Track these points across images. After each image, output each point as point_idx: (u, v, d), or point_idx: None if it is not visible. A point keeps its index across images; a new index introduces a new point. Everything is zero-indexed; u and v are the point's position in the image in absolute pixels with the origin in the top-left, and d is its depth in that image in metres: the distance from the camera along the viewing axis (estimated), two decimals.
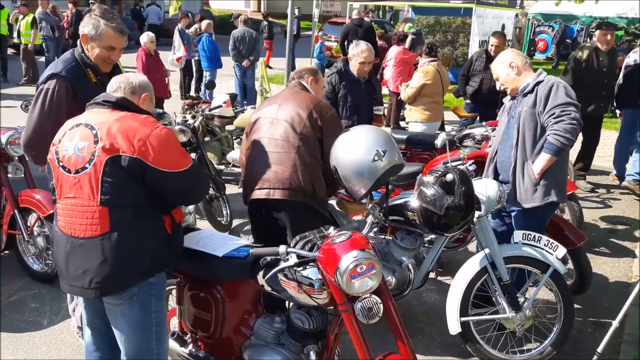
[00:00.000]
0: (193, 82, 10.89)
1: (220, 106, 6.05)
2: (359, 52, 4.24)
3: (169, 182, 2.16)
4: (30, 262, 3.93)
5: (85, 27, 2.69)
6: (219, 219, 5.00)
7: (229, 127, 6.69)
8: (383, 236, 3.22)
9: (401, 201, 3.07)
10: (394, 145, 2.54)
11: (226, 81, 11.93)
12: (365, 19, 10.66)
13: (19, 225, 3.80)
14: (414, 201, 2.92)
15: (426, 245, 3.47)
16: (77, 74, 2.70)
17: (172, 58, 9.76)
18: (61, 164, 2.18)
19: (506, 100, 3.51)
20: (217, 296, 2.52)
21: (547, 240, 3.06)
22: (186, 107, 6.41)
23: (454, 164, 3.31)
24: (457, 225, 2.85)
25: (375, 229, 3.02)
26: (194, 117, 5.62)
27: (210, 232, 2.84)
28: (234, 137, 6.59)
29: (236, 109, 6.70)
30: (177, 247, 2.38)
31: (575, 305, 3.41)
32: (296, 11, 12.16)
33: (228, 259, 2.49)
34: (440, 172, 2.84)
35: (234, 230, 5.08)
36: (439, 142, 4.83)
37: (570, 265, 3.65)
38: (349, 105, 4.38)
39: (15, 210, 3.79)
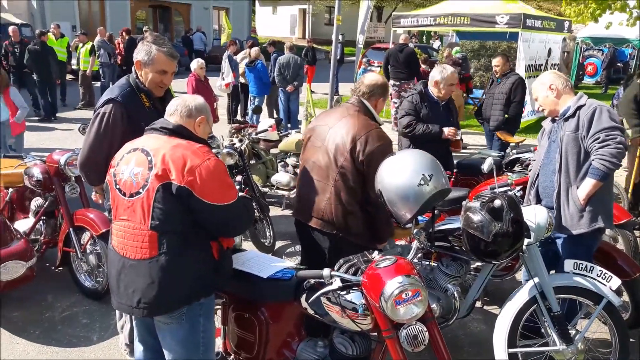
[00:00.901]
0: (240, 107, 11.16)
1: (266, 130, 6.15)
2: (449, 76, 4.31)
3: (212, 214, 2.18)
4: (82, 278, 4.06)
5: (139, 53, 2.82)
6: (262, 240, 5.05)
7: (273, 151, 6.79)
8: (427, 262, 3.16)
9: (447, 227, 3.01)
10: (441, 170, 2.51)
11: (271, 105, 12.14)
12: (410, 44, 10.69)
13: (73, 243, 3.95)
14: (460, 227, 2.87)
15: (472, 272, 3.38)
16: (131, 98, 2.81)
17: (220, 83, 10.03)
18: (118, 186, 2.26)
19: (546, 124, 3.43)
20: (261, 318, 2.53)
21: (600, 270, 2.93)
22: (233, 130, 6.55)
23: (501, 189, 3.24)
24: (505, 252, 2.76)
25: (419, 255, 2.98)
26: (241, 140, 5.73)
27: (256, 253, 2.87)
28: (278, 160, 6.67)
29: (281, 133, 6.79)
30: (224, 272, 2.40)
31: (631, 340, 3.23)
32: (340, 37, 12.32)
33: (272, 280, 2.50)
34: (487, 198, 2.78)
35: (277, 252, 5.11)
36: (485, 166, 4.70)
37: (625, 297, 3.48)
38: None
39: (71, 229, 3.94)
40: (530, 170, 3.76)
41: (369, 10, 11.82)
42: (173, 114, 2.34)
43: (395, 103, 10.42)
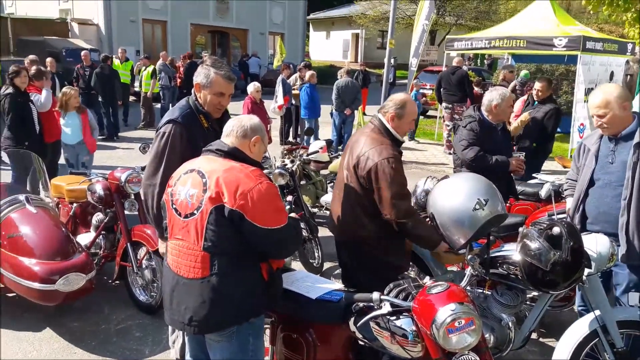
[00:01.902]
0: (292, 129, 11.32)
1: (317, 152, 6.20)
2: (507, 99, 4.17)
3: (263, 237, 2.20)
4: (137, 292, 4.17)
5: (198, 76, 2.91)
6: (311, 261, 5.04)
7: (323, 172, 6.82)
8: (481, 290, 3.05)
9: (503, 253, 2.90)
10: (497, 195, 2.43)
11: (321, 127, 12.25)
12: (464, 66, 10.57)
13: (130, 257, 4.08)
14: (516, 254, 2.75)
15: (528, 302, 3.23)
16: (191, 119, 2.90)
17: (274, 106, 10.23)
18: (174, 206, 2.32)
19: (590, 143, 3.21)
20: (309, 339, 2.51)
21: None
22: (285, 152, 6.64)
23: (559, 216, 3.10)
24: (564, 282, 2.63)
25: (472, 282, 2.88)
26: (292, 161, 5.79)
27: (305, 273, 2.86)
28: (328, 181, 6.69)
29: (331, 154, 6.83)
30: (274, 293, 2.41)
31: None
32: (392, 60, 12.34)
33: (321, 301, 2.48)
34: (545, 225, 2.66)
35: (324, 273, 5.08)
36: (543, 192, 4.58)
37: None
38: (489, 152, 4.22)
39: (128, 244, 4.08)
40: (566, 191, 3.53)
41: (424, 34, 11.80)
42: (229, 134, 2.39)
43: (448, 126, 10.28)
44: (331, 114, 10.44)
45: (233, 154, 2.32)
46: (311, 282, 2.66)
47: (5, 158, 5.95)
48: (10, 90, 5.75)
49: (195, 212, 2.22)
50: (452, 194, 2.42)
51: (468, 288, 2.80)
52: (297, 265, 4.87)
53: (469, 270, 2.46)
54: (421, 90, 13.57)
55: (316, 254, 5.13)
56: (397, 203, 2.84)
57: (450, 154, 10.30)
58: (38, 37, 17.89)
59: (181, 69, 14.56)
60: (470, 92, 10.19)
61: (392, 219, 2.89)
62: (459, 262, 3.32)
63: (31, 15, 21.37)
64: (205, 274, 2.20)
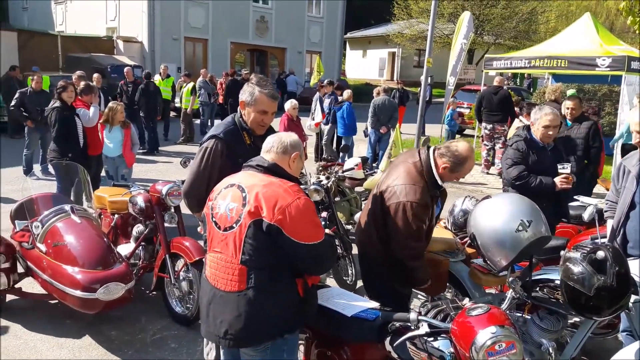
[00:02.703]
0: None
1: (352, 169, 6.20)
2: (542, 116, 4.00)
3: (300, 252, 2.22)
4: (173, 304, 4.23)
5: (243, 94, 2.98)
6: (344, 278, 5.02)
7: (358, 189, 6.82)
8: (520, 314, 2.97)
9: (544, 277, 2.82)
10: (541, 216, 2.38)
11: (357, 145, 12.27)
12: (504, 87, 10.42)
13: (168, 268, 4.15)
14: (558, 278, 2.67)
15: (570, 328, 3.12)
16: (234, 136, 2.97)
17: (310, 123, 10.33)
18: (214, 219, 2.37)
19: (630, 164, 3.10)
20: (343, 356, 2.49)
21: None
22: (321, 168, 6.67)
23: (603, 240, 2.99)
24: (608, 309, 2.53)
25: (512, 305, 2.80)
26: (327, 178, 5.81)
27: (340, 290, 2.86)
28: (362, 199, 6.68)
29: (366, 172, 6.81)
30: (309, 310, 2.41)
31: None
32: (429, 79, 12.31)
33: (357, 319, 2.46)
34: (589, 249, 2.58)
35: (358, 290, 5.03)
36: (586, 215, 4.43)
37: None
38: (537, 172, 4.07)
39: (167, 255, 4.15)
40: (606, 213, 3.40)
41: (462, 53, 11.74)
42: (269, 150, 2.43)
43: (487, 145, 10.13)
44: (365, 132, 10.45)
45: (272, 170, 2.36)
46: (347, 299, 2.65)
47: (51, 169, 6.18)
48: (57, 104, 5.99)
49: (234, 225, 2.26)
50: (495, 214, 2.38)
51: (508, 311, 2.72)
52: (331, 282, 4.85)
53: (509, 293, 2.39)
54: (458, 109, 13.46)
55: (350, 271, 5.10)
56: (407, 244, 2.92)
57: (487, 173, 10.14)
58: (85, 54, 18.63)
59: (223, 85, 14.88)
60: (512, 112, 10.02)
61: (399, 256, 2.97)
62: (499, 284, 3.25)
63: (80, 33, 22.31)
64: (242, 288, 2.23)
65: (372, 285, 3.22)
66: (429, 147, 3.04)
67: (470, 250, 3.56)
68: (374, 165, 9.73)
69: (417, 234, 2.92)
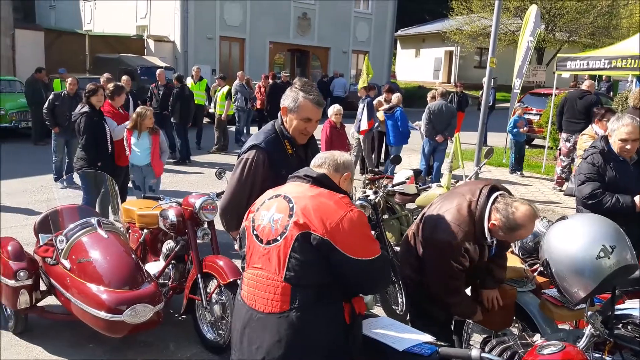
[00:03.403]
0: (374, 156, 11.35)
1: (404, 182, 6.15)
2: (619, 127, 3.89)
3: (353, 268, 2.23)
4: (204, 329, 4.29)
5: (286, 99, 3.03)
6: (394, 307, 4.96)
7: (409, 206, 6.75)
8: (600, 354, 2.86)
9: (629, 312, 2.72)
10: (626, 241, 2.30)
11: (408, 156, 12.20)
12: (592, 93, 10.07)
13: (200, 290, 4.20)
14: None
15: None
16: (275, 145, 3.02)
17: (353, 130, 10.35)
18: (255, 232, 2.40)
19: None
20: None
21: None
22: (367, 181, 6.66)
23: None
24: None
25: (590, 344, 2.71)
26: (375, 192, 5.79)
27: (390, 320, 2.83)
28: (414, 217, 6.61)
29: (419, 186, 6.75)
30: (354, 340, 2.40)
31: None
32: (492, 81, 12.13)
33: (409, 354, 2.43)
34: None
35: (410, 321, 4.97)
36: None
37: None
38: (615, 190, 3.96)
39: (199, 275, 4.21)
40: None
41: (529, 52, 11.53)
42: (320, 166, 2.49)
43: (563, 161, 9.85)
44: (416, 127, 10.32)
45: (321, 181, 2.40)
46: (397, 331, 2.62)
47: (77, 179, 6.40)
48: (86, 109, 6.19)
49: (278, 238, 2.28)
50: (572, 238, 2.32)
51: (585, 351, 2.63)
52: (378, 311, 4.81)
53: (588, 330, 2.32)
54: (526, 116, 13.18)
55: (400, 299, 5.04)
56: (441, 280, 3.00)
57: (561, 190, 9.86)
58: (113, 55, 19.36)
59: (262, 89, 15.07)
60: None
61: (432, 290, 3.06)
62: (574, 319, 3.15)
63: (108, 32, 23.21)
64: (285, 308, 2.23)
65: (414, 313, 3.31)
66: (493, 189, 2.99)
67: (541, 279, 3.49)
68: (427, 179, 9.65)
69: (452, 272, 2.99)
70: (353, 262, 2.21)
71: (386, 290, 5.02)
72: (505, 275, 3.35)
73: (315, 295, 2.24)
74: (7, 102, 13.58)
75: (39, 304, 4.41)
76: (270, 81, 14.80)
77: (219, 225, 3.68)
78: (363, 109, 10.12)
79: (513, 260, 3.66)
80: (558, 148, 10.23)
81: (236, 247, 3.48)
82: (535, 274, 3.54)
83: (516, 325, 3.59)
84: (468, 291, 3.43)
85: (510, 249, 4.13)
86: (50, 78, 14.55)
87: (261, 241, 2.35)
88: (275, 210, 2.35)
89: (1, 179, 9.07)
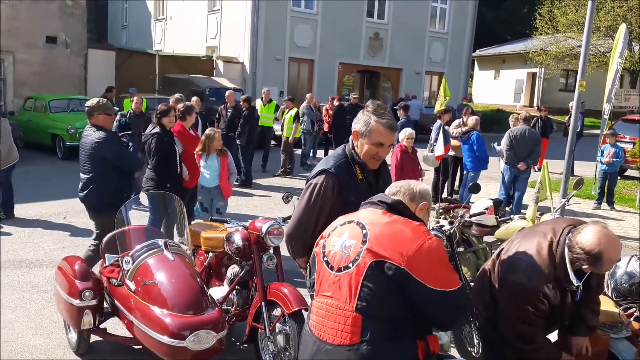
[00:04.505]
0: (447, 183, 11.19)
1: (482, 213, 6.02)
2: None
3: (432, 300, 2.20)
4: None
5: (357, 123, 3.05)
6: (469, 349, 4.81)
7: (488, 238, 6.59)
8: None
9: None
10: None
11: (485, 184, 11.93)
12: None
13: (264, 318, 4.23)
14: None
15: None
16: (345, 170, 3.04)
17: (425, 155, 10.24)
18: (326, 259, 2.41)
19: None
20: None
21: None
22: (441, 210, 6.56)
23: None
24: None
25: None
26: (451, 223, 5.68)
27: None
28: (492, 250, 6.43)
29: (499, 217, 6.58)
30: None
31: None
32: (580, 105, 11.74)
33: None
34: None
35: None
36: None
37: None
38: None
39: (263, 303, 4.24)
40: None
41: (617, 74, 11.15)
42: (395, 194, 2.50)
43: None
44: (493, 147, 10.08)
45: (397, 208, 2.39)
46: None
47: (143, 200, 6.65)
48: (157, 129, 6.47)
49: (350, 265, 2.27)
50: None
51: None
52: (453, 352, 4.69)
53: None
54: (617, 143, 12.62)
55: (475, 340, 4.89)
56: (515, 326, 2.92)
57: None
58: (183, 75, 20.16)
59: (329, 112, 15.23)
60: None
61: (506, 335, 2.97)
62: None
63: (178, 52, 24.22)
64: (355, 340, 2.21)
65: (488, 354, 3.27)
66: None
67: (637, 325, 3.31)
68: (507, 209, 9.37)
69: (527, 318, 2.89)
70: (433, 293, 2.17)
71: (461, 330, 4.89)
72: (598, 322, 3.20)
73: (388, 328, 2.21)
74: (77, 121, 14.35)
75: (101, 325, 4.53)
76: (336, 103, 14.90)
77: (284, 251, 3.71)
78: (438, 133, 10.02)
79: (605, 303, 3.48)
80: None
81: (304, 272, 3.51)
82: (631, 319, 3.37)
83: None
84: (553, 335, 3.29)
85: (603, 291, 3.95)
86: (120, 97, 15.29)
87: (332, 268, 2.35)
88: (348, 237, 2.35)
89: (66, 198, 9.57)
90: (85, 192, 5.59)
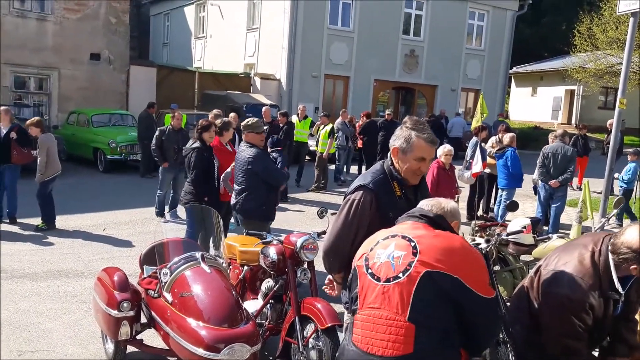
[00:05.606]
0: (483, 201, 11.03)
1: (520, 231, 5.90)
2: None
3: (482, 307, 2.26)
4: None
5: (397, 140, 3.05)
6: None
7: (524, 257, 6.47)
8: None
9: None
10: None
11: (522, 202, 11.72)
12: None
13: (297, 333, 4.22)
14: None
15: None
16: (383, 186, 3.04)
17: (461, 172, 10.12)
18: (370, 271, 2.39)
19: None
20: None
21: None
22: (477, 228, 6.47)
23: None
24: None
25: None
26: (487, 241, 5.59)
27: None
28: (529, 270, 6.31)
29: (537, 236, 6.46)
30: None
31: None
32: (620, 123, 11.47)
33: None
34: None
35: None
36: None
37: None
38: None
39: (296, 317, 4.24)
40: None
41: None
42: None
43: None
44: (534, 186, 9.94)
45: (438, 222, 2.43)
46: None
47: (181, 213, 6.74)
48: (197, 144, 6.61)
49: (400, 275, 2.27)
50: None
51: None
52: None
53: None
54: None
55: None
56: (560, 341, 2.83)
57: None
58: (221, 92, 20.46)
59: (359, 127, 15.23)
60: None
61: (549, 351, 2.89)
62: None
63: (217, 69, 24.64)
64: (408, 351, 2.20)
65: None
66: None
67: None
68: (545, 228, 9.18)
69: (573, 331, 2.81)
70: (482, 301, 2.24)
71: (497, 350, 4.79)
72: (637, 342, 3.10)
73: (442, 338, 2.22)
74: (118, 135, 14.71)
75: (138, 337, 4.57)
76: (365, 119, 14.90)
77: (319, 267, 3.70)
78: (474, 150, 9.92)
79: None
80: None
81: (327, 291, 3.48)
82: None
83: None
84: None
85: None
86: (160, 113, 15.60)
87: (378, 279, 2.34)
88: (395, 248, 2.36)
89: (106, 210, 9.81)
90: (237, 200, 6.12)
